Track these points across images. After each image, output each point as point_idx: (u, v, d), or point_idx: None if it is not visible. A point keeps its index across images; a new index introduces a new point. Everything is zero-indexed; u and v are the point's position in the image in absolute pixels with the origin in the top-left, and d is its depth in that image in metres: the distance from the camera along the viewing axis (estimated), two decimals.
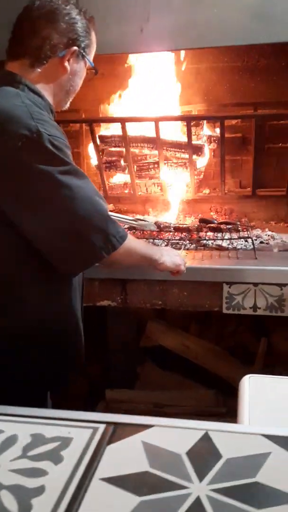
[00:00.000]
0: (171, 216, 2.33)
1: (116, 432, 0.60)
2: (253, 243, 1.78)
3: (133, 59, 2.37)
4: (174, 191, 2.39)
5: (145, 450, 0.56)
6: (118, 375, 2.24)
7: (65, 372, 1.35)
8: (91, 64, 1.31)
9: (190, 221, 2.27)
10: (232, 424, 0.60)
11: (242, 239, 1.89)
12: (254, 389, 1.15)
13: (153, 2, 2.04)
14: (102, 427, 0.61)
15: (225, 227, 1.96)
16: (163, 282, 1.75)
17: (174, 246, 1.87)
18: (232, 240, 1.88)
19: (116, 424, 0.62)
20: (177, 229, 1.97)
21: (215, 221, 2.06)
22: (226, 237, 1.90)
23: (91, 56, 1.33)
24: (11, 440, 0.59)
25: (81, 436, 0.60)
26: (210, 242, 1.89)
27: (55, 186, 1.09)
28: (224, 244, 1.88)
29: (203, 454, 0.55)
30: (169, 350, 2.24)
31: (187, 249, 1.87)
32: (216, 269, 1.70)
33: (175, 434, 0.59)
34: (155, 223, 1.99)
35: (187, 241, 1.89)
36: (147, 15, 2.03)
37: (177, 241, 1.89)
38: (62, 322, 1.25)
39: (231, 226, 1.97)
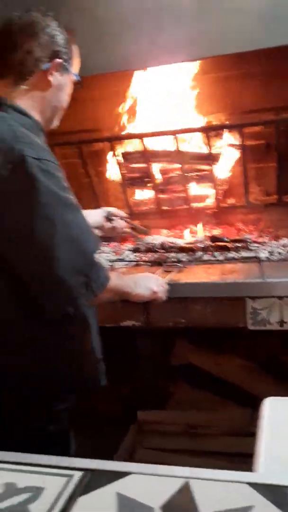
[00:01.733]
0: (196, 229, 2.27)
1: (91, 481, 0.56)
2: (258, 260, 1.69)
3: (150, 73, 2.35)
4: (198, 203, 2.33)
5: (118, 503, 0.52)
6: (149, 395, 2.19)
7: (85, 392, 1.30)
8: (76, 77, 1.27)
9: (204, 235, 2.19)
10: (215, 471, 0.54)
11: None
12: (274, 413, 1.07)
13: (164, 14, 2.01)
14: (77, 475, 0.57)
15: (232, 246, 1.87)
16: (184, 299, 1.69)
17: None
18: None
19: (93, 471, 0.57)
20: (182, 249, 1.90)
21: (226, 239, 1.96)
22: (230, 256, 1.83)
23: (75, 70, 1.28)
24: None
25: (54, 486, 0.56)
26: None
27: (37, 221, 1.01)
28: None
29: (179, 508, 0.50)
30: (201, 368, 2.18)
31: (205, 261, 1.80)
32: (238, 283, 1.63)
33: (153, 483, 0.54)
34: (162, 243, 1.95)
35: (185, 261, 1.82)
36: (158, 28, 2.01)
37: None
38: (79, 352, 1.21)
39: (240, 245, 1.88)
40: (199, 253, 1.88)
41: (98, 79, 2.45)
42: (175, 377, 2.25)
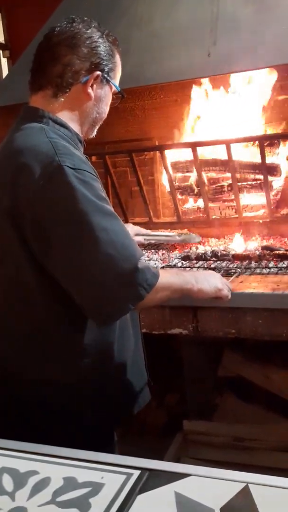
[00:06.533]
0: (246, 239, 2.25)
1: (149, 480, 0.56)
2: None
3: (205, 82, 2.36)
4: (249, 213, 2.31)
5: (177, 502, 0.52)
6: (195, 405, 2.17)
7: (123, 407, 1.26)
8: (116, 88, 1.23)
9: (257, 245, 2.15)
10: (275, 478, 0.54)
11: None
12: None
13: (219, 26, 2.03)
14: (136, 473, 0.58)
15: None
16: (235, 310, 1.67)
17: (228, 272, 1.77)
18: None
19: (151, 470, 0.58)
20: (236, 257, 1.85)
21: (282, 249, 1.91)
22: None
23: (116, 80, 1.24)
24: (44, 483, 0.58)
25: (113, 482, 0.56)
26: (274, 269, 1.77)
27: (76, 228, 1.01)
28: None
29: (239, 511, 0.50)
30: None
31: (260, 273, 1.77)
32: None
33: (213, 485, 0.54)
34: (212, 251, 1.92)
35: (242, 268, 1.76)
36: (214, 39, 2.02)
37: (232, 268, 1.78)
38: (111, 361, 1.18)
39: None
40: (255, 263, 1.83)
41: (150, 88, 2.49)
42: (223, 389, 2.22)
